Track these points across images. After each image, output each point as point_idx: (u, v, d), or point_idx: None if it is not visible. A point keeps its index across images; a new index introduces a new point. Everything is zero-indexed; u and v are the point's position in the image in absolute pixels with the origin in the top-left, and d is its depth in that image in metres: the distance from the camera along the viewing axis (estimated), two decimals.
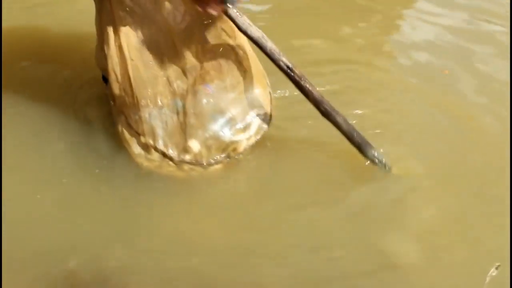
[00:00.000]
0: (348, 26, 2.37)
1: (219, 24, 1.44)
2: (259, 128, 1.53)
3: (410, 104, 1.83)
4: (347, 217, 1.40)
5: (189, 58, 1.45)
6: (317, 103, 1.48)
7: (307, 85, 1.47)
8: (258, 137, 1.53)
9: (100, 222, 1.37)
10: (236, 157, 1.50)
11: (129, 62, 1.42)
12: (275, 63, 1.45)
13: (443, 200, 1.46)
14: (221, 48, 1.47)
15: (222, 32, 1.45)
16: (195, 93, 1.46)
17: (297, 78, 1.47)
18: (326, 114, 1.48)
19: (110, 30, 1.42)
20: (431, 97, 1.86)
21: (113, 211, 1.41)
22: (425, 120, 1.75)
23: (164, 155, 1.46)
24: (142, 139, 1.46)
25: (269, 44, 1.44)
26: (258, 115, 1.54)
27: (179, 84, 1.46)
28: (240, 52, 1.49)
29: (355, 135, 1.49)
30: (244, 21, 1.41)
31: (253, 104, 1.53)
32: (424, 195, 1.47)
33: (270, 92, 1.58)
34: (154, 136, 1.46)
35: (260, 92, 1.55)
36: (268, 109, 1.56)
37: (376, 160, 1.49)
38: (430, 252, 1.31)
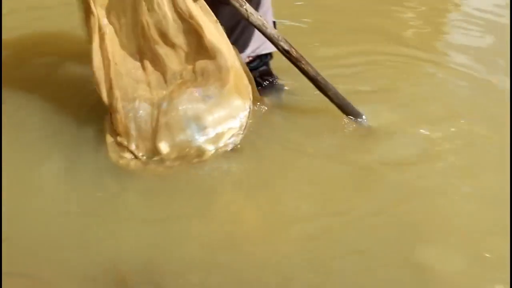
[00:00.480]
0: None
1: (204, 34, 1.47)
2: (230, 139, 1.54)
3: None
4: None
5: (171, 67, 1.50)
6: (313, 80, 1.65)
7: (303, 65, 1.62)
8: (227, 148, 1.54)
9: None
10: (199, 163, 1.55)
11: (112, 65, 1.49)
12: (275, 46, 1.61)
13: None
14: (203, 59, 1.51)
15: (203, 44, 1.49)
16: (172, 99, 1.50)
17: (294, 60, 1.61)
18: (321, 89, 1.66)
19: (96, 35, 1.47)
20: None
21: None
22: None
23: (134, 155, 1.53)
24: (118, 138, 1.53)
25: (269, 31, 1.57)
26: (231, 128, 1.54)
27: (159, 90, 1.51)
28: (223, 64, 1.50)
29: (348, 106, 1.71)
30: (246, 9, 1.50)
31: (229, 115, 1.54)
32: None
33: (249, 107, 1.57)
34: (128, 136, 1.52)
35: (239, 105, 1.55)
36: (243, 122, 1.56)
37: (364, 124, 1.72)
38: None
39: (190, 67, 1.52)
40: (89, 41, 1.49)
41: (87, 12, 1.46)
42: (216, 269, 1.27)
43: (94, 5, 1.44)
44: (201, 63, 1.51)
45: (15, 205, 1.42)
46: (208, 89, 1.52)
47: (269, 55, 1.84)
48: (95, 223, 1.39)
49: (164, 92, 1.51)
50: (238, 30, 1.70)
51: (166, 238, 1.34)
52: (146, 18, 1.44)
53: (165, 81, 1.52)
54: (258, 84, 1.76)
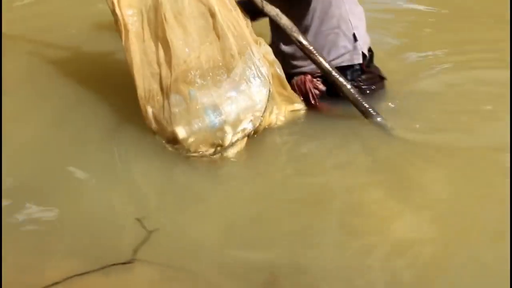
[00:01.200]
0: None
1: (217, 18, 1.57)
2: (248, 124, 1.61)
3: None
4: None
5: (177, 53, 1.57)
6: (326, 74, 1.67)
7: (316, 58, 1.63)
8: (245, 133, 1.61)
9: None
10: (222, 152, 1.61)
11: (136, 61, 1.61)
12: (289, 36, 1.64)
13: None
14: (210, 45, 1.60)
15: (215, 27, 1.59)
16: (179, 90, 1.57)
17: (307, 52, 1.64)
18: (335, 83, 1.66)
19: (123, 34, 1.61)
20: None
21: None
22: None
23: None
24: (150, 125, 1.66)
25: (283, 21, 1.63)
26: (248, 112, 1.60)
27: (166, 80, 1.58)
28: (227, 48, 1.59)
29: (361, 103, 1.67)
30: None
31: (244, 100, 1.60)
32: None
33: (269, 91, 1.63)
34: (151, 127, 1.65)
35: (255, 90, 1.61)
36: (262, 106, 1.62)
37: (380, 124, 1.66)
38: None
39: (195, 53, 1.58)
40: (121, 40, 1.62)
41: (114, 15, 1.60)
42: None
43: (119, 7, 1.57)
44: (208, 49, 1.59)
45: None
46: (216, 74, 1.59)
47: (348, 70, 1.77)
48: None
49: (169, 81, 1.57)
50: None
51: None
52: None
53: (170, 69, 1.58)
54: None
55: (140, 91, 1.62)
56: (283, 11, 1.64)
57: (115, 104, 1.92)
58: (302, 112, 1.79)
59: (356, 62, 1.73)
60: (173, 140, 1.60)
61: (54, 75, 2.21)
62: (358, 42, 1.72)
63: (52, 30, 2.69)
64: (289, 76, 1.78)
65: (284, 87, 1.75)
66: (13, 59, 2.34)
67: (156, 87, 1.61)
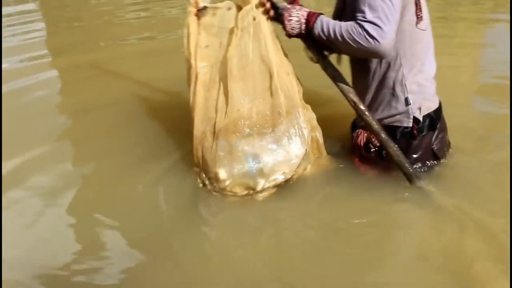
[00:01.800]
0: None
1: (274, 77, 1.77)
2: (280, 176, 1.82)
3: None
4: None
5: (233, 103, 1.78)
6: (375, 133, 1.78)
7: (367, 118, 1.77)
8: (276, 182, 1.82)
9: None
10: (253, 195, 1.83)
11: (198, 104, 1.85)
12: (345, 97, 1.81)
13: None
14: (263, 100, 1.81)
15: (270, 86, 1.79)
16: (228, 136, 1.79)
17: (359, 112, 1.78)
18: (382, 143, 1.77)
19: (192, 81, 1.87)
20: None
21: None
22: None
23: (203, 183, 1.90)
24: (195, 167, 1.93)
25: (340, 85, 1.80)
26: (282, 166, 1.81)
27: (220, 124, 1.79)
28: (276, 106, 1.80)
29: (405, 165, 1.77)
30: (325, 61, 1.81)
31: (282, 155, 1.81)
32: None
33: (305, 151, 1.84)
34: (198, 165, 1.90)
35: (293, 148, 1.82)
36: (295, 163, 1.82)
37: (419, 185, 1.77)
38: None
39: (249, 105, 1.79)
40: (188, 85, 1.89)
41: (189, 64, 1.86)
42: None
43: (194, 58, 1.83)
44: (260, 104, 1.80)
45: None
46: (262, 127, 1.80)
47: (398, 129, 1.83)
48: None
49: (221, 126, 1.78)
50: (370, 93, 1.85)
51: None
52: (233, 51, 1.75)
53: (224, 115, 1.78)
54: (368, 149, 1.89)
55: (196, 132, 1.85)
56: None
57: (172, 142, 2.29)
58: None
59: (405, 124, 1.79)
60: (214, 178, 1.82)
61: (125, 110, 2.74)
62: (410, 106, 1.76)
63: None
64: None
65: (320, 152, 1.96)
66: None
67: (209, 129, 1.81)
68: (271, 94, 1.79)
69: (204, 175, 1.87)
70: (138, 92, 2.94)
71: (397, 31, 1.59)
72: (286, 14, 1.70)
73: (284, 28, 1.73)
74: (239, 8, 1.76)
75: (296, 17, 1.68)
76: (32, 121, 2.70)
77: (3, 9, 5.33)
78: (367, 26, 1.52)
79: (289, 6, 1.71)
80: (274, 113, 1.79)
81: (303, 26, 1.69)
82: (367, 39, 1.53)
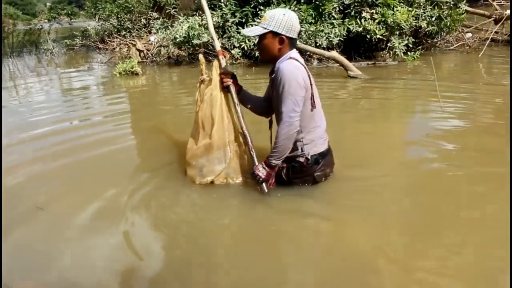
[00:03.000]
0: None
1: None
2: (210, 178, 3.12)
3: None
4: None
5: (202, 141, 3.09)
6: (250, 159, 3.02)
7: (249, 148, 3.00)
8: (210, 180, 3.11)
9: None
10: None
11: (200, 130, 3.09)
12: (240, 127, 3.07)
13: None
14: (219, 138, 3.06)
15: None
16: (207, 154, 3.08)
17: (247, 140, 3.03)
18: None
19: (196, 112, 3.14)
20: None
21: None
22: None
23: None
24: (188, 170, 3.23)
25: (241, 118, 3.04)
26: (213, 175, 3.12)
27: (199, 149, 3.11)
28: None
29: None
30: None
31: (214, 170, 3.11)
32: None
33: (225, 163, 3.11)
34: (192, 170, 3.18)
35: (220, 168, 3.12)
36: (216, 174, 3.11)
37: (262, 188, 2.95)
38: None
39: (204, 139, 3.08)
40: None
41: (197, 102, 3.13)
42: None
43: (200, 99, 3.09)
44: (219, 133, 3.04)
45: None
46: (208, 152, 3.09)
47: (296, 161, 2.88)
48: None
49: (207, 144, 3.05)
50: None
51: None
52: (202, 108, 3.07)
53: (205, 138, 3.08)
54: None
55: (189, 145, 3.14)
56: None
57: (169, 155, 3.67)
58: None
59: (299, 159, 2.86)
60: (199, 175, 3.12)
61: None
62: (303, 152, 2.84)
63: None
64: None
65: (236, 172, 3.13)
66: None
67: (201, 146, 3.06)
68: (211, 136, 3.02)
69: (193, 173, 3.13)
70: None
71: (301, 113, 2.67)
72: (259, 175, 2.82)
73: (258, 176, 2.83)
74: (211, 81, 3.01)
75: (263, 174, 2.82)
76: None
77: None
78: (285, 120, 2.66)
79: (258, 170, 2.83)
80: (213, 146, 3.02)
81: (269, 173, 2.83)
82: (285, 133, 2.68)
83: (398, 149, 3.93)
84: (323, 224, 2.62)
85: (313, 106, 2.73)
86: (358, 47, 8.70)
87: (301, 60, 2.74)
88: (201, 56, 3.14)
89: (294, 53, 2.74)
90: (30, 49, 15.75)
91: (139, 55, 10.23)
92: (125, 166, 3.61)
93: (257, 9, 8.96)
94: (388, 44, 8.57)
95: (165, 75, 8.82)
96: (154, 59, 10.09)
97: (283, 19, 2.64)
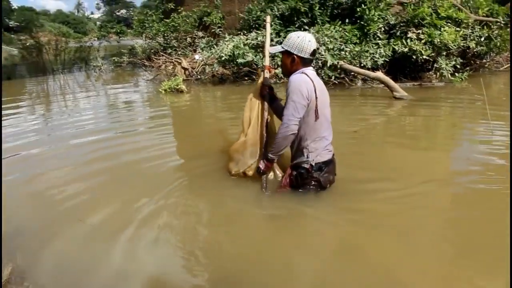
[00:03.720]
0: None
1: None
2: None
3: None
4: None
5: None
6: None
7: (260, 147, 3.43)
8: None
9: None
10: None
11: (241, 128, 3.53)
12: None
13: None
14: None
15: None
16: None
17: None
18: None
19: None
20: None
21: None
22: None
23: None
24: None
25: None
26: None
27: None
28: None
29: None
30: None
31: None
32: None
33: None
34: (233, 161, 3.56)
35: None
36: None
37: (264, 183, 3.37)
38: None
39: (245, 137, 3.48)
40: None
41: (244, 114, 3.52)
42: None
43: (250, 113, 3.43)
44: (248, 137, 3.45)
45: None
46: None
47: (301, 167, 3.13)
48: None
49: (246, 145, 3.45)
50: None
51: None
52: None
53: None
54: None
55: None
56: None
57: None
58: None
59: (305, 166, 3.10)
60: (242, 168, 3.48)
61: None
62: (308, 159, 3.08)
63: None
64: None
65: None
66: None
67: (239, 142, 3.47)
68: (246, 134, 3.42)
69: (231, 165, 3.54)
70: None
71: (304, 122, 3.01)
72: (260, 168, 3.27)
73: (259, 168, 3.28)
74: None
75: (262, 166, 3.27)
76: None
77: None
78: (285, 120, 3.01)
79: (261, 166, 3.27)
80: (247, 143, 3.41)
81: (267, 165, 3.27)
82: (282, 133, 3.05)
83: (442, 168, 3.87)
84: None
85: (316, 117, 3.02)
86: (404, 67, 8.56)
87: (313, 76, 3.05)
88: (259, 71, 3.60)
89: (307, 69, 3.07)
90: (80, 66, 16.39)
91: (184, 73, 10.45)
92: (165, 172, 3.89)
93: (302, 29, 9.02)
94: (435, 65, 8.42)
95: (209, 92, 8.99)
96: (199, 77, 10.29)
97: (295, 41, 3.04)
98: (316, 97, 2.98)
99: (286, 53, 3.11)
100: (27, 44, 17.06)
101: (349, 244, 2.61)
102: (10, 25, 59.39)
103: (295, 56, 3.05)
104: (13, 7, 65.47)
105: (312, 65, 3.15)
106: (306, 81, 2.98)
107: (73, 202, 3.31)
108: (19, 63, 18.01)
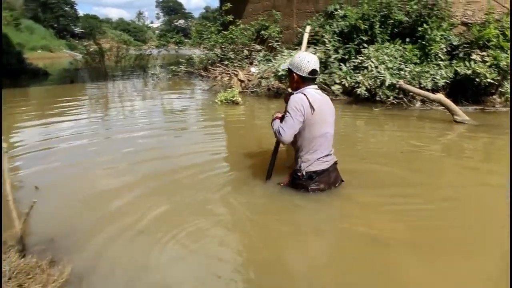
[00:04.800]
0: None
1: None
2: None
3: None
4: None
5: None
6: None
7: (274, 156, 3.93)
8: None
9: None
10: None
11: None
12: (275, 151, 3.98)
13: None
14: None
15: None
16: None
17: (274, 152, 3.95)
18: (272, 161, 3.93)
19: None
20: None
21: None
22: None
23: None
24: None
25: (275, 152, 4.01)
26: None
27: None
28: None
29: (270, 171, 3.97)
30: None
31: None
32: None
33: None
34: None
35: None
36: None
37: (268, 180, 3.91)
38: None
39: None
40: None
41: None
42: None
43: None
44: None
45: None
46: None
47: (296, 174, 3.62)
48: None
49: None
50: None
51: None
52: None
53: None
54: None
55: None
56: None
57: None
58: None
59: (298, 173, 3.58)
60: None
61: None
62: (301, 168, 3.54)
63: None
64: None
65: None
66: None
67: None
68: None
69: None
70: None
71: (300, 136, 3.44)
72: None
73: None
74: None
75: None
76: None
77: None
78: (278, 130, 3.47)
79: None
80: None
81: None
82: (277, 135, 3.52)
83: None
84: None
85: (311, 131, 3.43)
86: (465, 90, 8.27)
87: (311, 95, 3.41)
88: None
89: (307, 88, 3.47)
90: (139, 73, 16.94)
91: (240, 85, 10.56)
92: (215, 180, 4.04)
93: (360, 46, 8.93)
94: (500, 89, 8.09)
95: (263, 105, 9.04)
96: (254, 89, 10.36)
97: (296, 61, 3.50)
98: (312, 114, 3.37)
99: (289, 71, 3.56)
100: (91, 49, 17.86)
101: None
102: (76, 32, 62.42)
103: (294, 74, 3.49)
104: (79, 15, 68.75)
105: (315, 83, 3.56)
106: (302, 99, 3.38)
107: (125, 204, 3.48)
108: (82, 68, 18.90)
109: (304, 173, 3.52)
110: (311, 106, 3.35)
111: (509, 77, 7.92)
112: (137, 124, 7.15)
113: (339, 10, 10.25)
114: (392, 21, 9.05)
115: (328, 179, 3.61)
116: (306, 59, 3.44)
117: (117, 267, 2.57)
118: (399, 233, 2.91)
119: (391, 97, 7.95)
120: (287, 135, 3.40)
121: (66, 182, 4.09)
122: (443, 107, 7.20)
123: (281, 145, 3.84)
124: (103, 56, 17.06)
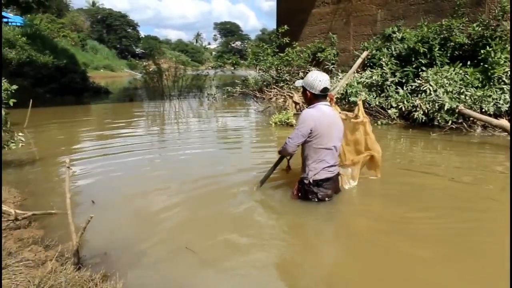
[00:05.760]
0: None
1: (368, 144, 4.40)
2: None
3: None
4: None
5: (344, 155, 4.41)
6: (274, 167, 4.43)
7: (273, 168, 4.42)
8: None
9: None
10: None
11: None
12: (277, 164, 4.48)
13: None
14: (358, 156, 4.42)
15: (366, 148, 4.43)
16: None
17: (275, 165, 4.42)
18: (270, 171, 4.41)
19: None
20: None
21: None
22: None
23: None
24: None
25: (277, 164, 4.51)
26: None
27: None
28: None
29: (265, 178, 4.44)
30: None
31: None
32: None
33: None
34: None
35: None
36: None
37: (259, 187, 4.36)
38: None
39: (351, 157, 4.37)
40: None
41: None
42: None
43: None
44: (356, 158, 4.36)
45: None
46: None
47: (304, 181, 3.91)
48: None
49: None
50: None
51: None
52: (350, 136, 4.38)
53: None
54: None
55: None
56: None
57: None
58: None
59: (305, 181, 3.86)
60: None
61: None
62: (308, 176, 3.83)
63: None
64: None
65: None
66: None
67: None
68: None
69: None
70: None
71: (308, 146, 3.78)
72: None
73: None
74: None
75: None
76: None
77: None
78: (286, 140, 3.86)
79: None
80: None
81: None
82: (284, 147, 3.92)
83: None
84: None
85: (318, 143, 3.74)
86: None
87: (321, 111, 3.75)
88: (359, 102, 4.48)
89: (319, 104, 3.81)
90: (195, 92, 17.40)
91: (295, 107, 10.59)
92: (268, 203, 4.07)
93: (419, 69, 8.77)
94: None
95: None
96: None
97: (309, 80, 3.83)
98: (320, 127, 3.70)
99: (303, 88, 3.92)
100: (150, 69, 18.52)
101: None
102: (136, 52, 65.16)
103: (307, 92, 3.84)
104: (140, 36, 71.83)
105: (326, 100, 3.88)
106: (312, 114, 3.76)
107: (179, 223, 3.55)
108: (141, 87, 19.62)
109: (311, 180, 3.81)
110: (321, 121, 3.71)
111: None
112: (192, 141, 7.38)
113: (397, 33, 10.14)
114: (452, 43, 8.85)
115: (334, 186, 4.00)
116: (318, 79, 3.77)
117: (167, 285, 2.62)
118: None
119: (450, 122, 7.72)
120: (291, 146, 3.84)
121: (121, 197, 4.23)
122: (506, 133, 6.91)
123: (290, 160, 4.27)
124: (161, 76, 17.60)
